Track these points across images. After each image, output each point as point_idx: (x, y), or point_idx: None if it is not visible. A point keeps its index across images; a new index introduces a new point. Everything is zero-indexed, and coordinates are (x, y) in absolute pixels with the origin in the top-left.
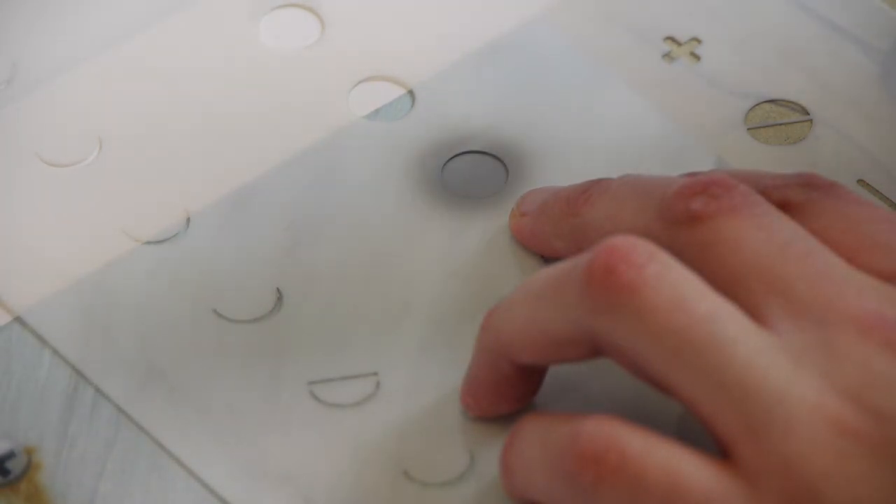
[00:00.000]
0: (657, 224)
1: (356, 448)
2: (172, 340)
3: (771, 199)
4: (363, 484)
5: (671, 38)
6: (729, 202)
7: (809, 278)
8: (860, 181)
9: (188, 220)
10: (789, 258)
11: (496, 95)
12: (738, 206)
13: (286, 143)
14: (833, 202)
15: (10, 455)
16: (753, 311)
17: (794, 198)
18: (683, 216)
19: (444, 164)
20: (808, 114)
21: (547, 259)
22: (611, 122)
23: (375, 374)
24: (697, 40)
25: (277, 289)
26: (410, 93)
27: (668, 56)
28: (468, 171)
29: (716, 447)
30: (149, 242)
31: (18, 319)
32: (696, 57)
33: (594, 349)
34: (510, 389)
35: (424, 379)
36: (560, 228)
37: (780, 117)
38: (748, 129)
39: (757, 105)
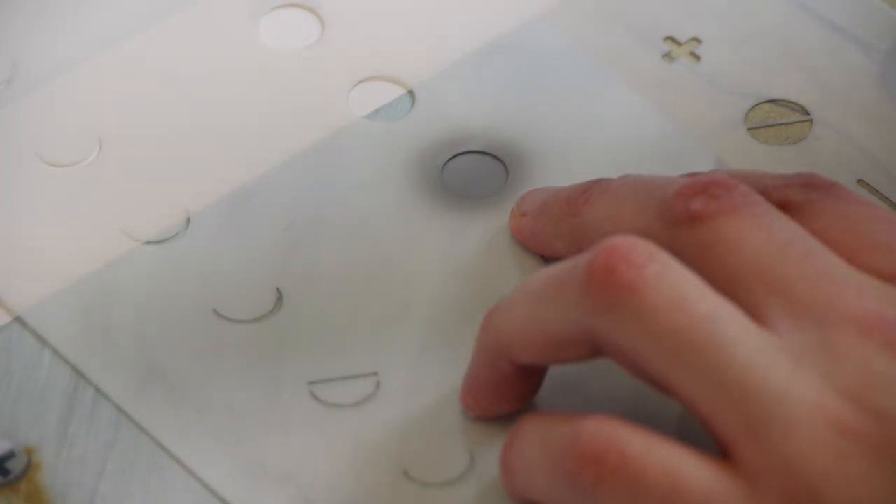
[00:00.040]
0: (657, 224)
1: (356, 448)
2: (172, 340)
3: (771, 199)
4: (363, 484)
5: (671, 38)
6: (729, 202)
7: (809, 278)
8: (860, 181)
9: (188, 220)
10: (789, 258)
11: (496, 95)
12: (738, 206)
13: (286, 143)
14: (833, 202)
15: (10, 455)
16: (753, 311)
17: (795, 198)
18: (683, 216)
19: (444, 164)
20: (808, 114)
21: (547, 259)
22: (611, 122)
23: (375, 374)
24: (697, 40)
25: (277, 289)
26: (410, 93)
27: (668, 56)
28: (468, 171)
29: (716, 447)
30: (149, 242)
31: (18, 319)
32: (696, 57)
33: (594, 349)
34: (510, 389)
35: (424, 379)
36: (560, 228)
37: (780, 117)
38: (748, 129)
39: (757, 105)
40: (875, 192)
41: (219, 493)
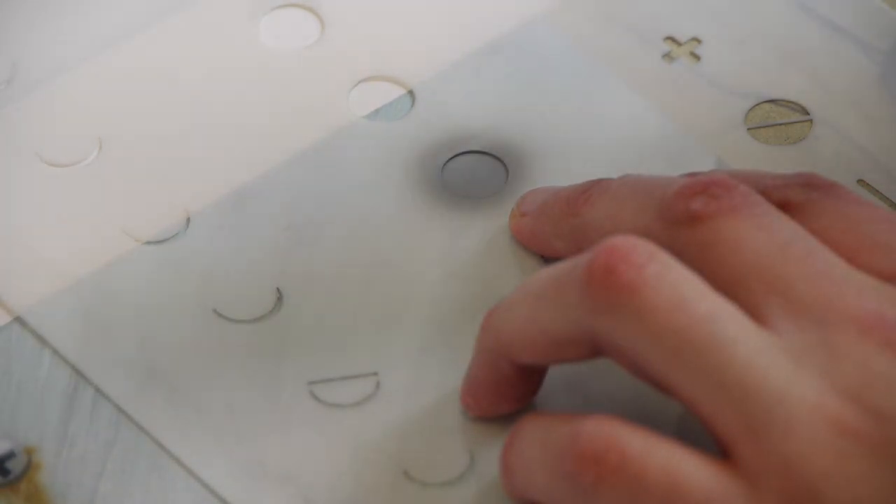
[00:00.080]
0: (657, 224)
1: (356, 448)
2: (172, 340)
3: (771, 200)
4: (363, 484)
5: (671, 38)
6: (729, 202)
7: (809, 278)
8: (860, 181)
9: (188, 220)
10: (789, 258)
11: (496, 95)
12: (738, 206)
13: (286, 143)
14: (833, 202)
15: (10, 455)
16: (753, 311)
17: (795, 198)
18: (683, 216)
19: (444, 164)
20: (808, 114)
21: (547, 259)
22: (611, 122)
23: (375, 374)
24: (697, 40)
25: (277, 289)
26: (410, 93)
27: (668, 56)
28: (468, 171)
29: (716, 447)
30: (149, 242)
31: (18, 319)
32: (696, 57)
33: (594, 349)
34: (510, 389)
35: (424, 379)
36: (560, 228)
37: (780, 117)
38: (748, 129)
39: (757, 105)
40: (875, 192)
41: (219, 493)
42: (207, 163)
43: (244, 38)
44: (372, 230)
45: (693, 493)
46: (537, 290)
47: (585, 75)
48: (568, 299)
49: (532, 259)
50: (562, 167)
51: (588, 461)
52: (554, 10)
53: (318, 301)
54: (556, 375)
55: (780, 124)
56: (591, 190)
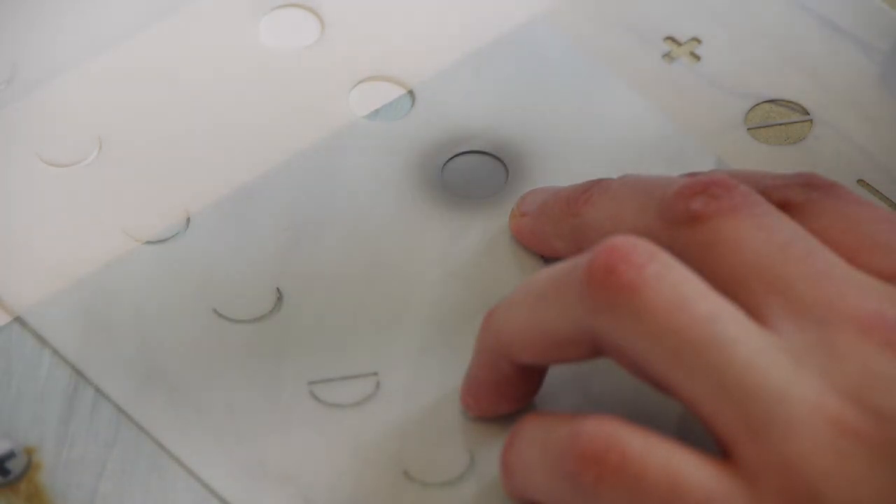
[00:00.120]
0: (657, 224)
1: (356, 448)
2: (172, 340)
3: (771, 200)
4: (363, 484)
5: (671, 38)
6: (729, 202)
7: (810, 278)
8: (860, 181)
9: (188, 220)
10: (789, 258)
11: (496, 95)
12: (738, 206)
13: (286, 143)
14: (833, 202)
15: (10, 455)
16: (754, 311)
17: (795, 198)
18: (684, 216)
19: (444, 164)
20: (808, 114)
21: (547, 259)
22: (611, 122)
23: (375, 374)
24: (697, 40)
25: (277, 289)
26: (410, 93)
27: (668, 56)
28: (468, 171)
29: (716, 447)
30: (149, 242)
31: (18, 319)
32: (696, 57)
33: (594, 349)
34: (510, 389)
35: (424, 379)
36: (560, 228)
37: (780, 117)
38: (748, 129)
39: (757, 105)
40: (875, 192)
41: (219, 493)
42: (207, 163)
43: (244, 38)
44: (372, 230)
45: (693, 493)
46: (537, 290)
47: (585, 75)
48: (568, 299)
49: (532, 259)
50: (562, 167)
51: (588, 461)
52: (554, 10)
53: (318, 301)
54: (556, 375)
55: (780, 124)
56: (591, 190)
